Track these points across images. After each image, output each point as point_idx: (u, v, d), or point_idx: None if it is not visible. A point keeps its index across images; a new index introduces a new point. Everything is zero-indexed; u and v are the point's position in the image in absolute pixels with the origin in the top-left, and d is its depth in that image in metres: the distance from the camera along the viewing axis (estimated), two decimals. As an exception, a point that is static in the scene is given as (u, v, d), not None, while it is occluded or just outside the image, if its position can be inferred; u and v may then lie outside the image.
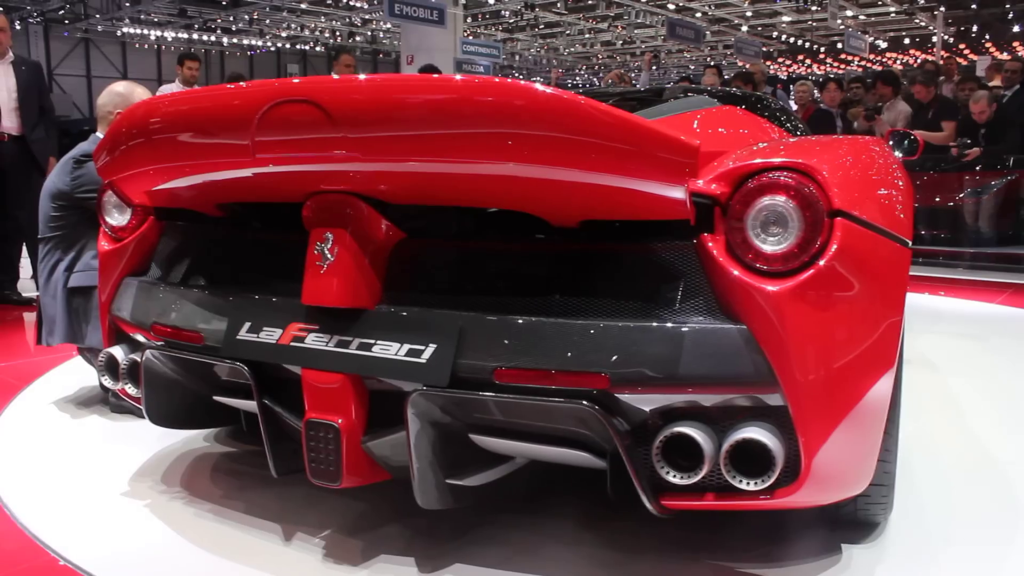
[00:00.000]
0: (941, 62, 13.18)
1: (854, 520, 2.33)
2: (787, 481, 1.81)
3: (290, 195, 2.16)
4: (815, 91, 10.04)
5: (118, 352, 2.59)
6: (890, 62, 33.50)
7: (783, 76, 34.39)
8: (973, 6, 27.62)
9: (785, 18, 28.81)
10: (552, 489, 2.63)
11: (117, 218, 2.68)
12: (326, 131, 1.83)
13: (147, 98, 2.36)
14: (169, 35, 31.37)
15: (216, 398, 2.50)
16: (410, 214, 2.12)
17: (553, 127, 1.69)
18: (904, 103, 8.65)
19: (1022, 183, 8.23)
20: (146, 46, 33.52)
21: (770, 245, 1.78)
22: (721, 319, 1.81)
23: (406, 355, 1.94)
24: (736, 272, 1.78)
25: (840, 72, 33.41)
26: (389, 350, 1.97)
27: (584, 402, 1.80)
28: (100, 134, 3.54)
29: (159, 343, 2.40)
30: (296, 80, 1.90)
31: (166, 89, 8.02)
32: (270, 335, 2.12)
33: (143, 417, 3.28)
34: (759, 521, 2.40)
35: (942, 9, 25.49)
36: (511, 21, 29.30)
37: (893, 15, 28.11)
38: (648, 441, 1.86)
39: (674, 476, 1.82)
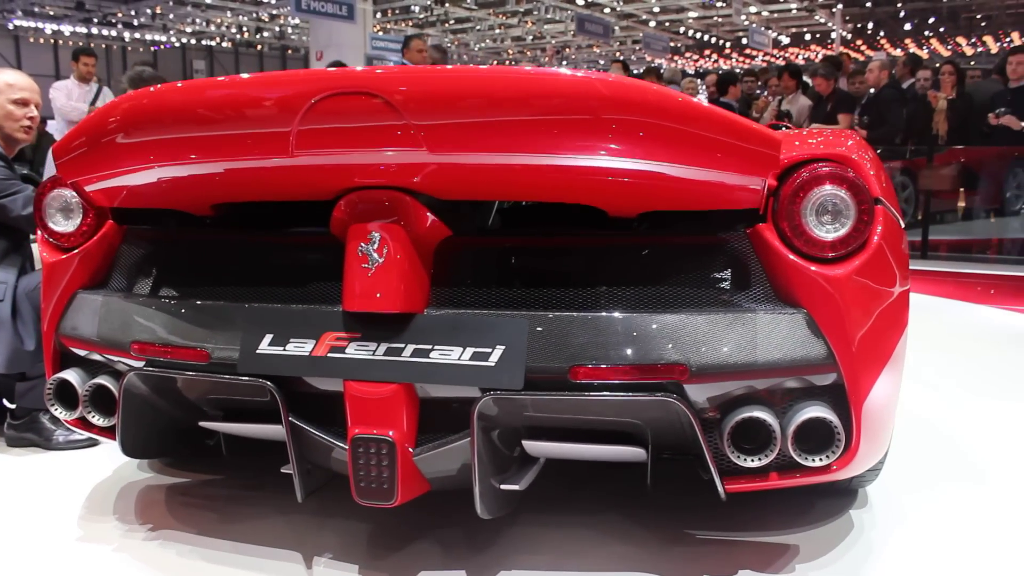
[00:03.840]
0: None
1: (847, 489, 2.47)
2: (841, 454, 1.90)
3: (320, 192, 1.99)
4: (700, 87, 10.36)
5: (73, 377, 2.25)
6: (792, 57, 34.47)
7: (690, 71, 35.08)
8: (868, 4, 28.66)
9: (692, 14, 29.36)
10: (552, 487, 2.54)
11: (63, 224, 2.33)
12: (387, 123, 1.73)
13: (143, 88, 2.03)
14: (66, 29, 30.20)
15: (204, 424, 2.26)
16: (454, 209, 2.01)
17: (655, 118, 1.71)
18: (805, 97, 8.95)
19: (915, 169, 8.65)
20: (41, 40, 32.23)
21: (828, 232, 1.90)
22: (782, 306, 1.90)
23: (471, 359, 1.84)
24: (795, 259, 1.89)
25: (746, 66, 34.24)
26: (450, 355, 1.85)
27: (668, 394, 1.81)
28: None
29: (140, 364, 2.13)
30: (357, 69, 1.79)
31: (61, 86, 7.75)
32: (300, 347, 1.93)
33: (54, 449, 2.98)
34: (761, 497, 2.47)
35: (840, 6, 26.35)
36: (421, 16, 29.15)
37: (794, 11, 28.90)
38: (715, 428, 1.91)
39: (746, 459, 1.87)
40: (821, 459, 1.87)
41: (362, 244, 1.90)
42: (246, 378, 1.97)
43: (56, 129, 7.80)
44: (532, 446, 2.00)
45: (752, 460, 1.87)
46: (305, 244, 2.14)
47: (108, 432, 2.29)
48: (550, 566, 2.13)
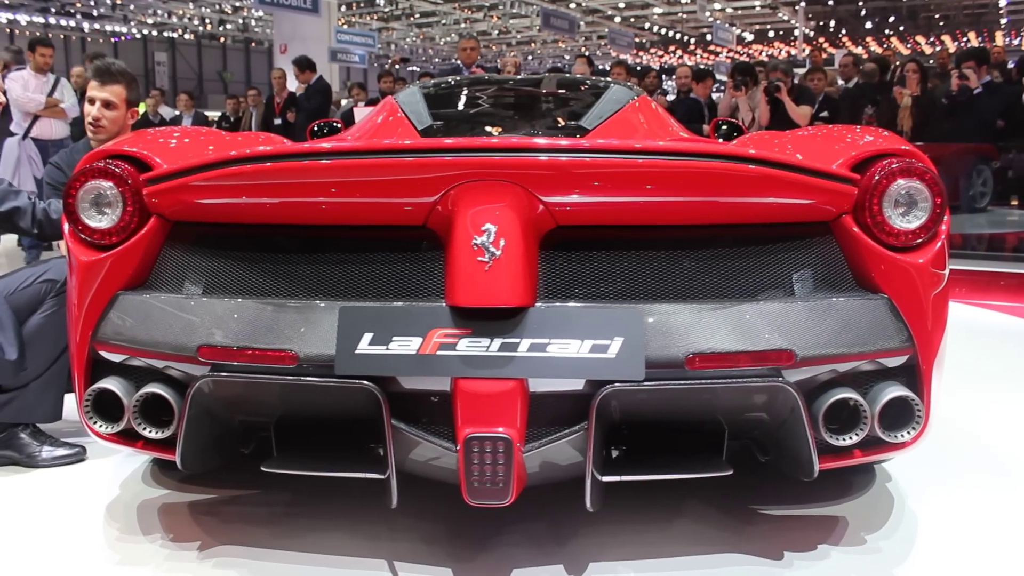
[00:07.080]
0: (803, 55, 13.81)
1: (868, 466, 2.59)
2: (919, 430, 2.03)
3: (427, 193, 1.95)
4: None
5: (116, 387, 2.06)
6: (756, 54, 34.78)
7: (655, 66, 35.21)
8: (830, 2, 28.99)
9: (657, 10, 29.52)
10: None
11: (98, 219, 2.12)
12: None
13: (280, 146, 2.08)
14: (23, 18, 29.61)
15: (268, 468, 2.09)
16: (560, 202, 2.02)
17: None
18: (763, 92, 9.00)
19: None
20: (-3, 31, 31.58)
21: (908, 222, 2.03)
22: (867, 292, 2.03)
23: (590, 352, 1.83)
24: (880, 248, 2.02)
25: (710, 63, 34.47)
26: (568, 348, 1.83)
27: (780, 379, 1.88)
28: None
29: (205, 369, 1.98)
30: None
31: (17, 76, 7.56)
32: (405, 345, 1.85)
33: (39, 466, 2.72)
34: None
35: (803, 4, 26.61)
36: (386, 10, 28.99)
37: (758, 8, 29.20)
38: (808, 409, 1.97)
39: (840, 439, 1.97)
40: (903, 435, 1.98)
41: (476, 237, 1.85)
42: (338, 380, 1.87)
43: (13, 122, 7.60)
44: (633, 478, 2.03)
45: (846, 439, 1.96)
46: (387, 238, 2.07)
47: (158, 446, 2.14)
48: (641, 555, 2.13)
